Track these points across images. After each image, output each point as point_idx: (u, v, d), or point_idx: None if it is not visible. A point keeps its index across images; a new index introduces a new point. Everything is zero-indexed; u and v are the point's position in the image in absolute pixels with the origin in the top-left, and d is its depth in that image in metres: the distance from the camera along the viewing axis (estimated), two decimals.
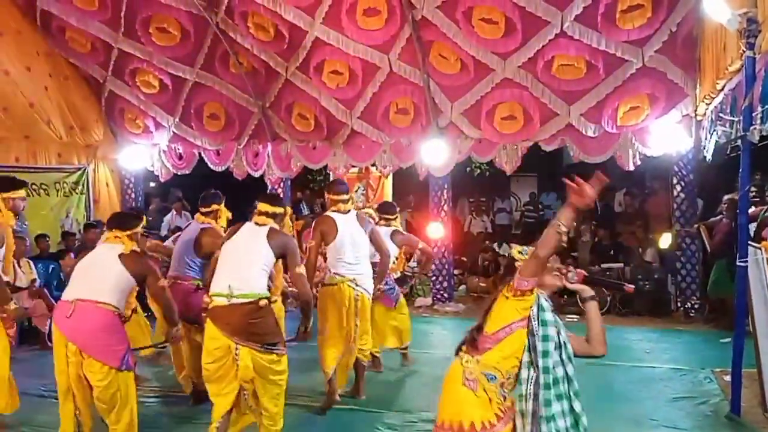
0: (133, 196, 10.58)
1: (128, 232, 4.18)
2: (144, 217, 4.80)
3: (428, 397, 5.37)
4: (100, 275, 4.03)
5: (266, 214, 4.22)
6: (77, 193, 9.66)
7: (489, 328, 2.74)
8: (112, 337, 3.92)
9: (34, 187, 8.90)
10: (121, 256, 4.04)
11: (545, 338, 2.68)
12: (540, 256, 2.65)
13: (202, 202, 5.36)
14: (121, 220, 4.32)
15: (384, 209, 6.42)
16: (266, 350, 3.94)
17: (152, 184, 11.53)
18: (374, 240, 5.23)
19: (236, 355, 3.86)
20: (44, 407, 4.97)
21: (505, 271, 2.85)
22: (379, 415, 4.90)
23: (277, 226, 4.23)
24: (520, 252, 2.84)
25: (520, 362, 2.69)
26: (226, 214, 5.37)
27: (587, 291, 2.89)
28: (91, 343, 3.88)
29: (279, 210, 4.30)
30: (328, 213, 5.09)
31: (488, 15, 7.25)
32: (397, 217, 6.40)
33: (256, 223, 4.20)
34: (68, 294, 4.00)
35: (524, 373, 2.68)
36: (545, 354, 2.67)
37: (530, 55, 7.46)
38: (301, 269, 4.23)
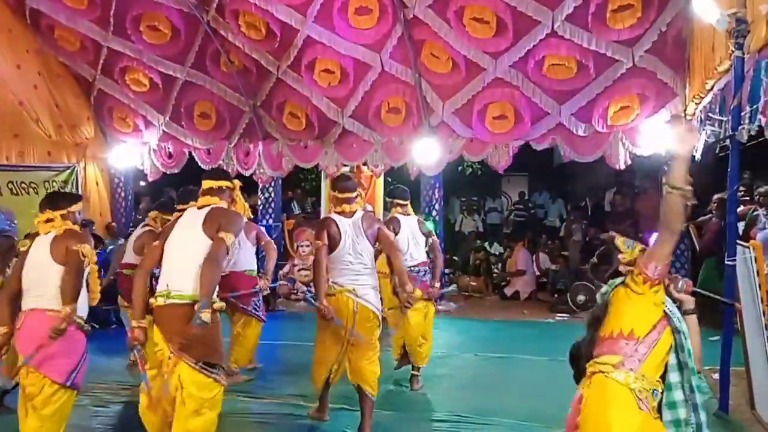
0: (123, 195, 10.53)
1: (62, 212, 3.81)
2: (81, 200, 4.19)
3: (418, 396, 5.39)
4: (39, 276, 3.70)
5: (210, 191, 3.78)
6: None
7: (637, 332, 2.39)
8: (61, 349, 3.60)
9: (23, 185, 8.85)
10: (50, 246, 3.68)
11: (685, 335, 2.42)
12: (674, 231, 2.43)
13: (180, 198, 5.00)
14: (53, 199, 3.95)
15: (396, 194, 5.83)
16: (201, 370, 3.43)
17: (142, 184, 11.47)
18: (384, 242, 4.58)
19: (168, 365, 3.44)
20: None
21: (601, 260, 2.72)
22: (376, 414, 4.89)
23: (223, 205, 3.76)
24: (624, 243, 2.67)
25: (666, 366, 2.42)
26: None
27: (690, 303, 2.60)
28: (38, 353, 3.56)
29: (225, 183, 3.85)
30: (332, 215, 4.57)
31: (480, 14, 7.27)
32: (407, 203, 5.83)
33: (198, 207, 3.74)
34: (23, 303, 3.72)
35: (674, 377, 2.41)
36: (690, 352, 2.40)
37: (521, 54, 7.48)
38: (226, 236, 3.54)
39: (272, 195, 10.26)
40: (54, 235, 3.76)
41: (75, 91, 9.58)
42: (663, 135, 7.47)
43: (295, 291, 9.10)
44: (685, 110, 7.13)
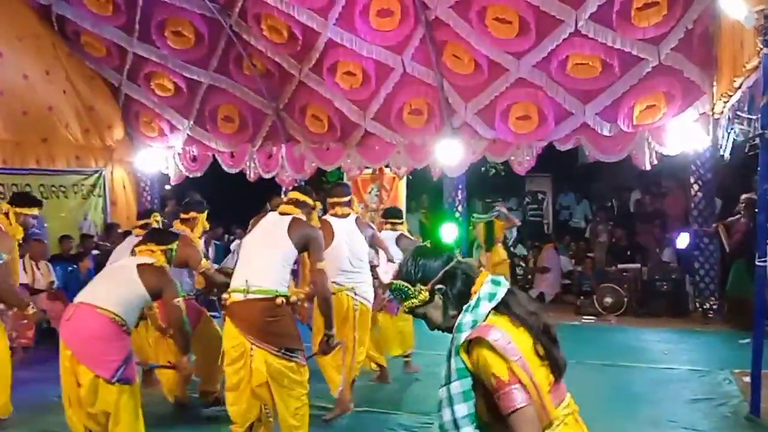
0: (149, 198, 10.66)
1: (163, 248, 3.97)
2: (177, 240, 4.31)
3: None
4: (113, 282, 3.86)
5: (294, 202, 3.99)
6: (94, 196, 9.74)
7: None
8: (106, 346, 3.61)
9: (53, 189, 9.02)
10: (139, 266, 3.83)
11: None
12: None
13: (183, 208, 5.08)
14: (159, 236, 4.14)
15: (390, 214, 6.27)
16: (284, 356, 3.65)
17: (167, 187, 11.61)
18: (378, 246, 5.12)
19: (251, 356, 3.62)
20: (56, 412, 4.61)
21: None
22: (393, 416, 4.88)
23: (302, 216, 3.96)
24: None
25: None
26: (203, 224, 5.07)
27: None
28: (83, 349, 3.60)
29: (308, 200, 4.05)
30: (325, 217, 4.84)
31: (502, 14, 7.23)
32: (403, 221, 6.27)
33: (280, 213, 3.95)
34: (77, 297, 3.83)
35: None
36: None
37: (544, 54, 7.43)
38: (323, 265, 3.89)
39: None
40: (152, 263, 3.88)
41: (104, 95, 9.73)
42: (690, 134, 7.37)
43: None
44: (713, 109, 7.02)
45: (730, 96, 5.88)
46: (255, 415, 3.78)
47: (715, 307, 8.27)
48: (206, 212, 5.11)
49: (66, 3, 8.57)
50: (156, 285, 3.80)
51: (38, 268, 7.54)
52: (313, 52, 8.38)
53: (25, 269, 7.13)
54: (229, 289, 3.77)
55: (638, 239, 9.96)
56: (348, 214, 4.86)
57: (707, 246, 8.34)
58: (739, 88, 5.46)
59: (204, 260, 4.70)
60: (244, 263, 3.81)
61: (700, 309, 8.36)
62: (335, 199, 4.87)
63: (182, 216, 5.01)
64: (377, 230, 5.49)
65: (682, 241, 8.79)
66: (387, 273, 5.34)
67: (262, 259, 3.75)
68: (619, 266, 9.16)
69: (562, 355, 1.86)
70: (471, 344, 1.78)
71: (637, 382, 5.78)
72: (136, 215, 6.70)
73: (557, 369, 1.84)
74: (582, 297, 9.40)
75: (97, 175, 9.80)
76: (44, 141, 8.94)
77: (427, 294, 1.90)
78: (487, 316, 1.82)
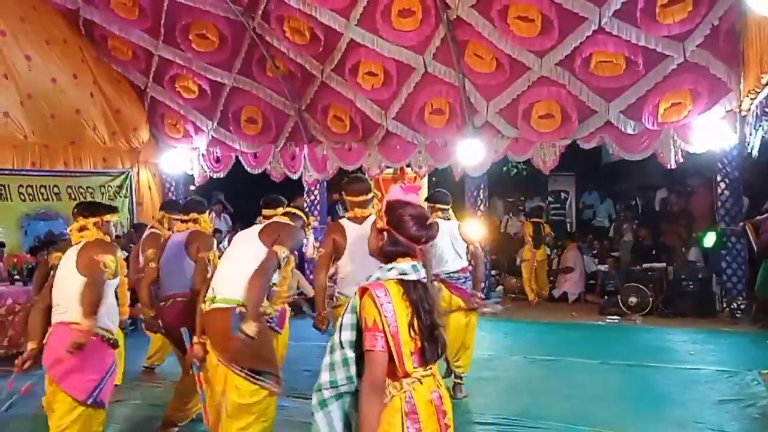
0: (174, 199, 10.79)
1: (95, 219, 3.62)
2: (117, 212, 3.97)
3: (467, 398, 5.36)
4: (65, 289, 3.49)
5: (290, 215, 3.85)
6: (121, 197, 9.91)
7: None
8: (84, 364, 3.35)
9: (80, 190, 9.19)
10: (77, 256, 3.48)
11: None
12: None
13: (183, 209, 4.78)
14: (89, 206, 3.79)
15: (437, 198, 5.46)
16: (247, 376, 3.31)
17: (192, 188, 11.75)
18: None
19: (217, 373, 3.36)
20: None
21: None
22: None
23: (284, 220, 3.76)
24: None
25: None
26: (207, 224, 4.79)
27: None
28: (57, 366, 3.35)
29: (303, 216, 3.88)
30: (341, 221, 4.38)
31: (524, 13, 7.20)
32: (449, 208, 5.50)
33: (264, 217, 3.82)
34: (52, 317, 3.53)
35: None
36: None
37: (567, 52, 7.38)
38: (279, 249, 3.46)
39: (318, 197, 10.36)
40: (82, 244, 3.55)
41: (130, 98, 9.90)
42: (717, 131, 7.27)
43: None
44: (740, 106, 6.92)
45: (758, 93, 5.78)
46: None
47: (742, 307, 8.14)
48: (207, 212, 4.85)
49: (93, 7, 8.74)
50: (88, 265, 3.45)
51: None
52: (335, 53, 8.43)
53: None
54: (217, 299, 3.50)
55: (663, 238, 9.84)
56: (367, 216, 4.24)
57: (734, 245, 8.21)
58: (767, 84, 5.37)
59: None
60: (216, 273, 3.60)
61: (728, 309, 8.24)
62: (357, 198, 4.29)
63: (183, 217, 4.72)
64: None
65: (709, 240, 8.67)
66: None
67: (230, 268, 3.51)
68: (644, 266, 9.06)
69: (433, 350, 2.24)
70: (363, 291, 2.22)
71: (663, 383, 5.71)
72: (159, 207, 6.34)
73: (425, 356, 2.22)
74: (606, 297, 9.31)
75: (123, 176, 9.97)
76: (72, 143, 9.12)
77: (384, 224, 2.31)
78: (389, 280, 2.23)
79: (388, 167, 9.74)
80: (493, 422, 4.77)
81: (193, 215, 4.67)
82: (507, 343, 7.49)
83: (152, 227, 5.57)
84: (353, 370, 2.21)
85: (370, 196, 4.32)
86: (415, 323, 2.20)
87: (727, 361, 6.36)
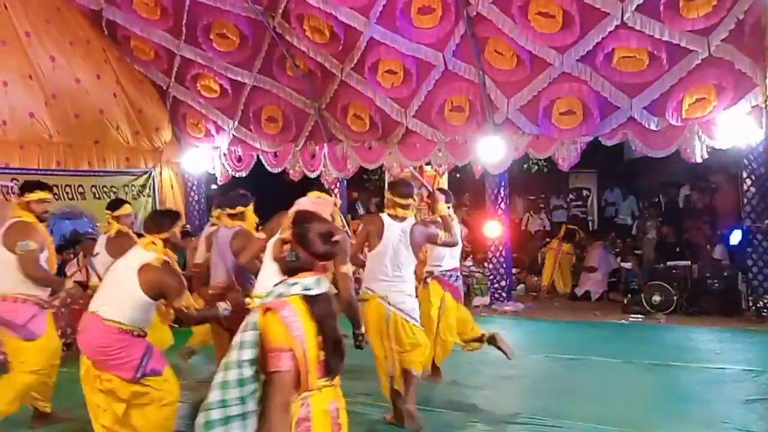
0: (195, 198, 10.90)
1: (164, 235, 3.76)
2: (181, 217, 4.28)
3: (488, 397, 5.35)
4: (115, 287, 3.71)
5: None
6: (144, 196, 10.01)
7: None
8: (120, 353, 3.60)
9: (104, 189, 9.30)
10: (140, 268, 3.61)
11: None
12: None
13: (229, 203, 4.99)
14: (157, 221, 3.89)
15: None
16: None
17: (213, 187, 11.85)
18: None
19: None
20: None
21: None
22: (439, 414, 4.89)
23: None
24: None
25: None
26: (253, 216, 5.02)
27: None
28: (100, 358, 3.61)
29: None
30: (382, 215, 4.57)
31: (545, 8, 7.14)
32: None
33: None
34: (90, 304, 3.77)
35: None
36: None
37: (589, 48, 7.31)
38: (347, 268, 3.73)
39: (337, 196, 10.37)
40: (150, 262, 3.63)
41: (152, 98, 10.01)
42: (742, 127, 7.15)
43: None
44: (765, 101, 6.79)
45: None
46: None
47: None
48: (252, 204, 5.05)
49: (116, 8, 8.84)
50: (156, 286, 3.62)
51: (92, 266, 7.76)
52: (354, 52, 8.44)
53: (79, 267, 7.37)
54: (253, 294, 3.75)
55: (687, 236, 9.71)
56: (405, 218, 4.50)
57: (761, 243, 8.07)
58: None
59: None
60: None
61: (754, 308, 8.10)
62: (402, 201, 4.49)
63: (229, 212, 4.95)
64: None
65: (735, 237, 8.53)
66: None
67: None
68: (668, 264, 8.94)
69: (336, 362, 2.29)
70: (267, 310, 2.21)
71: (688, 383, 5.64)
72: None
73: (329, 368, 2.26)
74: (629, 295, 9.21)
75: (146, 175, 10.07)
76: (96, 143, 9.24)
77: (288, 236, 2.33)
78: (293, 296, 2.24)
79: (408, 165, 9.70)
80: (515, 421, 4.75)
81: (239, 208, 4.93)
82: (528, 341, 7.44)
83: (213, 224, 5.73)
84: (248, 389, 2.22)
85: (411, 201, 4.55)
86: (321, 338, 2.22)
87: (754, 360, 6.27)
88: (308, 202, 3.35)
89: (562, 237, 10.29)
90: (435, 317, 5.41)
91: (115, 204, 5.81)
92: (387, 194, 4.65)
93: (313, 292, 2.26)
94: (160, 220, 3.93)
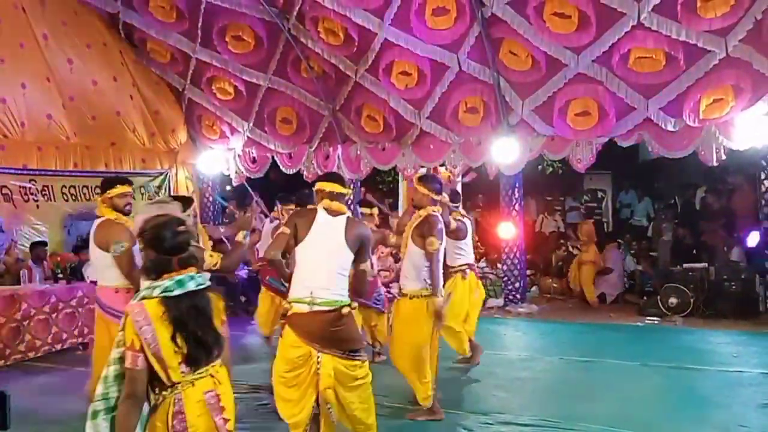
0: (210, 199, 10.97)
1: (102, 196, 4.39)
2: (129, 184, 4.78)
3: (503, 399, 5.33)
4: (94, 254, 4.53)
5: (333, 195, 3.82)
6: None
7: None
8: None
9: None
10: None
11: None
12: None
13: (298, 201, 5.70)
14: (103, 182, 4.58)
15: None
16: (348, 357, 3.67)
17: (228, 188, 11.91)
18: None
19: (318, 362, 3.59)
20: None
21: None
22: (454, 416, 4.87)
23: (350, 214, 3.87)
24: None
25: None
26: None
27: None
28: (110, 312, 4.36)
29: (346, 191, 3.94)
30: (435, 213, 4.68)
31: (560, 9, 7.11)
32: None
33: (329, 212, 3.77)
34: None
35: None
36: None
37: (605, 48, 7.27)
38: (366, 266, 3.84)
39: (352, 197, 10.40)
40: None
41: (168, 100, 10.09)
42: (760, 128, 7.07)
43: None
44: None
45: None
46: (307, 413, 3.71)
47: None
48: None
49: (133, 11, 8.93)
50: (102, 238, 4.37)
51: None
52: (368, 53, 8.45)
53: None
54: (290, 299, 3.69)
55: (704, 238, 9.62)
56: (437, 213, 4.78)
57: None
58: None
59: None
60: (306, 273, 3.69)
61: None
62: (436, 196, 4.75)
63: (293, 208, 5.70)
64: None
65: (752, 239, 8.44)
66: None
67: (325, 271, 3.66)
68: (685, 266, 8.87)
69: (200, 356, 2.45)
70: (126, 312, 2.41)
71: (705, 386, 5.59)
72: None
73: (191, 361, 2.43)
74: (645, 297, 9.14)
75: (162, 176, 10.16)
76: (113, 144, 9.33)
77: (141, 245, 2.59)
78: (152, 299, 2.40)
79: (422, 167, 9.69)
80: (530, 423, 4.72)
81: (310, 206, 5.10)
82: (543, 343, 7.42)
83: (276, 218, 6.37)
84: (118, 385, 2.42)
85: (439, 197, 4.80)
86: (178, 338, 2.38)
87: None
88: (153, 209, 3.36)
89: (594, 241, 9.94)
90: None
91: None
92: (423, 191, 4.72)
93: (174, 293, 2.41)
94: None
